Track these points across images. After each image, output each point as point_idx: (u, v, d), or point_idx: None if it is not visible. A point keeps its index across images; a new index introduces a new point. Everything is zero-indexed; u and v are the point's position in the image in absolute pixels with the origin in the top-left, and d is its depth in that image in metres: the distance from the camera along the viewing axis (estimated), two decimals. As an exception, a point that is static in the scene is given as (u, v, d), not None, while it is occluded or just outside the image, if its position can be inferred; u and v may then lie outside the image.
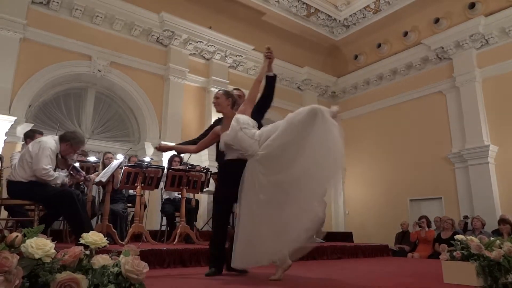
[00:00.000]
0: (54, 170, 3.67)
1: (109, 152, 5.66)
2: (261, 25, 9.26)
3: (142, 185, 4.47)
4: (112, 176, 4.41)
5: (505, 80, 7.60)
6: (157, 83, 7.90)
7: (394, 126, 9.31)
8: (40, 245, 1.14)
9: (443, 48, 8.38)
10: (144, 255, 3.01)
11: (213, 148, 8.61)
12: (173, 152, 6.45)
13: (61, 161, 3.85)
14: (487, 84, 7.90)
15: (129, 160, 5.74)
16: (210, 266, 3.07)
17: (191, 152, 3.40)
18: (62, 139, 3.76)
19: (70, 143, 3.75)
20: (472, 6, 7.94)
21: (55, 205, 3.58)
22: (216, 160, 3.36)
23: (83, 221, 3.54)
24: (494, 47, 7.86)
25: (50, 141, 3.67)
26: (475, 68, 7.95)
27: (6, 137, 5.93)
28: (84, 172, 4.24)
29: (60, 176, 3.68)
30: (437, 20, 8.49)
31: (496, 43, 7.82)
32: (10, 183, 3.57)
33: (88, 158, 5.27)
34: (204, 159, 7.76)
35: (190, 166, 5.64)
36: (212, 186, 5.49)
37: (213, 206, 3.31)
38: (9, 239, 1.15)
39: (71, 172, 3.98)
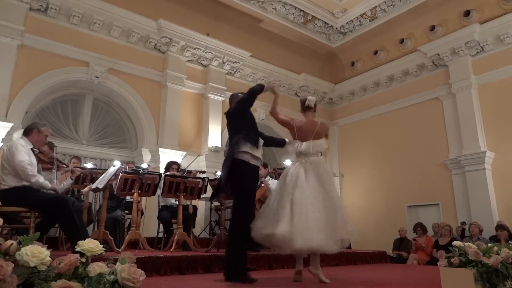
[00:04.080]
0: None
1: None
2: (258, 32, 9.31)
3: (139, 191, 4.45)
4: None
5: (501, 87, 7.66)
6: (154, 90, 7.91)
7: (391, 133, 9.34)
8: (35, 253, 1.13)
9: (439, 55, 8.45)
10: (140, 263, 3.00)
11: (213, 153, 8.62)
12: (172, 159, 6.48)
13: (44, 156, 3.80)
14: (483, 90, 7.95)
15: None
16: (245, 274, 2.97)
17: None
18: (27, 132, 3.74)
19: (37, 129, 3.73)
20: (467, 13, 8.03)
21: (49, 210, 3.53)
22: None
23: (78, 228, 3.50)
24: (489, 54, 7.93)
25: (17, 140, 3.70)
26: (471, 74, 8.01)
27: (2, 144, 5.91)
28: (68, 164, 4.26)
29: (42, 178, 3.61)
30: (433, 28, 8.57)
31: (491, 50, 7.89)
32: (3, 192, 3.52)
33: (84, 164, 5.25)
34: (202, 165, 7.76)
35: (187, 173, 5.62)
36: (209, 192, 5.46)
37: (250, 206, 3.12)
38: (4, 247, 1.14)
39: (58, 166, 3.96)
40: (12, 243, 1.14)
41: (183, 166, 6.71)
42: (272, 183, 5.07)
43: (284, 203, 3.03)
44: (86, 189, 4.58)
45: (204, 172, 6.13)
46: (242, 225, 3.03)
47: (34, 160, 3.64)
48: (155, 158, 7.48)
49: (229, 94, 8.84)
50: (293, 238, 2.84)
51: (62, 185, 4.66)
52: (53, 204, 3.47)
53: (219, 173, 6.87)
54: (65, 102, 7.32)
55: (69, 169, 4.19)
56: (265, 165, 5.36)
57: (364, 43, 9.95)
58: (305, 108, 3.50)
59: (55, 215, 3.55)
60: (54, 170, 4.08)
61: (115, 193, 4.51)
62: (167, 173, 5.09)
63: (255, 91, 3.18)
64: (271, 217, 3.00)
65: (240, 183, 3.11)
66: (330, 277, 3.16)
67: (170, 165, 5.69)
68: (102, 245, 1.37)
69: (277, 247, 3.10)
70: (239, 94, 3.49)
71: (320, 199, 3.06)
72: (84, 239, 1.37)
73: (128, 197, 5.20)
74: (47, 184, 3.65)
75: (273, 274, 3.14)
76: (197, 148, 8.17)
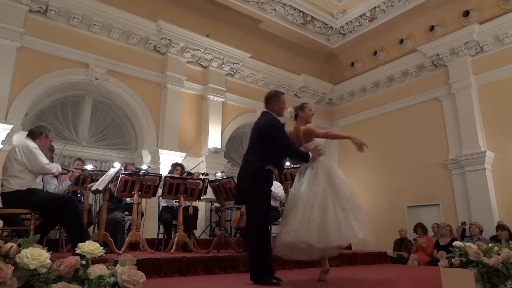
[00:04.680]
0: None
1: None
2: (258, 33, 9.32)
3: (139, 193, 4.44)
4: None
5: (500, 87, 7.66)
6: (154, 91, 7.91)
7: (391, 133, 9.34)
8: (35, 255, 1.13)
9: (438, 55, 8.46)
10: (141, 264, 3.00)
11: (213, 155, 8.65)
12: (172, 160, 6.49)
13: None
14: (482, 90, 7.96)
15: (125, 168, 5.72)
16: (271, 276, 3.02)
17: None
18: (34, 135, 3.78)
19: (45, 134, 3.82)
20: (466, 14, 8.04)
21: (54, 211, 3.53)
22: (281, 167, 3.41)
23: (82, 227, 3.52)
24: (488, 54, 7.94)
25: (28, 142, 3.67)
26: (470, 75, 8.01)
27: (2, 146, 5.91)
28: (68, 169, 4.27)
29: (56, 165, 3.76)
30: (432, 28, 8.58)
31: (490, 50, 7.89)
32: (6, 195, 3.50)
33: (85, 166, 5.25)
34: (202, 166, 7.76)
35: (188, 175, 5.62)
36: (210, 193, 5.45)
37: (265, 212, 3.21)
38: (3, 249, 1.13)
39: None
40: (12, 246, 1.14)
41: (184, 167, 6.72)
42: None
43: (302, 208, 3.13)
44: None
45: (207, 174, 6.14)
46: (261, 227, 3.14)
47: None
48: (155, 159, 7.48)
49: (228, 95, 9.00)
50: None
51: (61, 186, 4.66)
52: (58, 204, 3.47)
53: (219, 174, 6.89)
54: (65, 104, 7.32)
55: (69, 175, 4.20)
56: None
57: (364, 43, 9.95)
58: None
59: (59, 215, 3.55)
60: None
61: (115, 194, 4.51)
62: (167, 175, 5.09)
63: (299, 158, 3.36)
64: (301, 224, 3.06)
65: (262, 189, 3.21)
66: (331, 278, 3.17)
67: (175, 166, 5.70)
68: (102, 247, 1.37)
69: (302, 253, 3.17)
70: (281, 95, 3.47)
71: (331, 198, 3.14)
72: (85, 241, 1.37)
73: (128, 199, 5.19)
74: (59, 167, 3.82)
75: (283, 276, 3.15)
76: (197, 149, 8.17)
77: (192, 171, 6.10)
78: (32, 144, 3.65)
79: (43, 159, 3.61)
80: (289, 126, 3.44)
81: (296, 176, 3.52)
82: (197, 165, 6.59)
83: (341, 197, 3.16)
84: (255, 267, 3.07)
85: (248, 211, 3.27)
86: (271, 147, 3.20)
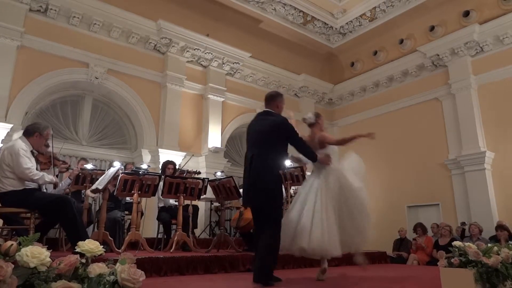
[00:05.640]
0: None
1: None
2: (258, 32, 9.32)
3: (139, 192, 4.44)
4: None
5: (500, 87, 7.66)
6: (154, 90, 7.91)
7: (391, 133, 9.33)
8: (35, 254, 1.13)
9: (438, 55, 8.46)
10: (140, 263, 3.00)
11: (213, 154, 8.67)
12: (171, 159, 6.50)
13: (42, 158, 3.76)
14: (482, 90, 7.96)
15: (125, 167, 5.72)
16: (272, 277, 2.99)
17: None
18: (28, 134, 3.64)
19: (38, 133, 3.65)
20: (466, 14, 8.04)
21: (51, 212, 3.52)
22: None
23: (79, 228, 3.49)
24: (488, 55, 7.94)
25: (17, 142, 3.54)
26: (470, 75, 8.02)
27: (1, 145, 5.90)
28: (66, 161, 4.22)
29: (47, 175, 3.59)
30: (432, 28, 8.58)
31: (490, 51, 7.90)
32: (2, 195, 3.47)
33: (85, 165, 5.24)
34: (202, 166, 7.76)
35: (187, 173, 5.62)
36: (209, 193, 5.45)
37: (279, 211, 3.19)
38: (3, 248, 1.14)
39: (56, 165, 3.92)
40: (12, 244, 1.15)
41: (182, 166, 6.74)
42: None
43: (308, 212, 3.26)
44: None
45: (199, 172, 6.15)
46: (279, 226, 3.10)
47: (34, 162, 3.61)
48: (155, 158, 7.48)
49: (228, 95, 9.01)
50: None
51: (60, 184, 4.65)
52: (55, 206, 3.45)
53: (219, 173, 6.89)
54: (65, 103, 7.32)
55: (67, 166, 4.17)
56: None
57: (364, 43, 9.95)
58: (308, 125, 3.73)
59: (57, 216, 3.54)
60: (52, 168, 4.07)
61: (115, 194, 4.51)
62: (167, 174, 5.09)
63: (311, 155, 3.40)
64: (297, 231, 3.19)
65: (281, 187, 3.27)
66: (330, 277, 3.17)
67: (166, 165, 5.66)
68: (102, 246, 1.37)
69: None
70: (283, 96, 3.49)
71: (334, 205, 3.30)
72: (84, 240, 1.37)
73: (128, 198, 5.19)
74: (51, 177, 3.64)
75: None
76: (197, 149, 8.17)
77: (184, 169, 6.12)
78: (18, 146, 3.48)
79: (24, 162, 3.40)
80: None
81: (309, 177, 3.65)
82: (187, 161, 6.65)
83: (349, 205, 3.46)
84: (260, 267, 2.98)
85: (266, 210, 3.07)
86: (283, 144, 3.22)
